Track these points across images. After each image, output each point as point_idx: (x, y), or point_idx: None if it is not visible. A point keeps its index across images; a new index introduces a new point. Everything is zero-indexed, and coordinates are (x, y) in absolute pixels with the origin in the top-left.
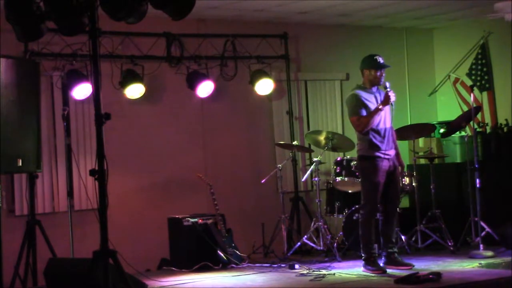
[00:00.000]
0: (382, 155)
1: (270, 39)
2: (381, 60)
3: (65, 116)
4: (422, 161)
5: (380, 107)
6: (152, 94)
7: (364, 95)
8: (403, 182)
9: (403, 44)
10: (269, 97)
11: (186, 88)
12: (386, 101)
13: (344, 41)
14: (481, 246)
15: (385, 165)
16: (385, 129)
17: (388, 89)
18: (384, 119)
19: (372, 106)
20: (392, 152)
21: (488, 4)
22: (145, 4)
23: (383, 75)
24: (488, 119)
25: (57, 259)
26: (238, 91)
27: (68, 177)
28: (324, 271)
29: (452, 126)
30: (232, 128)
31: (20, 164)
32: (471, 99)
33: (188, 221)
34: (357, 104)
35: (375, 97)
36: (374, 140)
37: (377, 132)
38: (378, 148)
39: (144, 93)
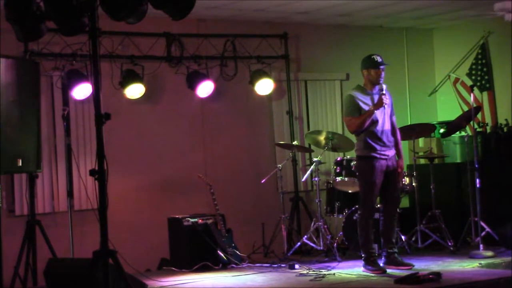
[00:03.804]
0: (378, 155)
1: (270, 39)
2: (379, 58)
3: (65, 116)
4: (422, 161)
5: (372, 109)
6: (152, 94)
7: (360, 96)
8: (403, 182)
9: (403, 44)
10: (269, 97)
11: (186, 88)
12: (379, 104)
13: (344, 41)
14: (481, 246)
15: (381, 165)
16: (382, 130)
17: (384, 92)
18: (383, 121)
19: (367, 108)
20: (390, 153)
21: (488, 4)
22: (145, 4)
23: (382, 73)
24: (488, 119)
25: (57, 259)
26: (238, 91)
27: (68, 177)
28: (324, 271)
29: (452, 126)
30: (232, 128)
31: (20, 164)
32: (471, 99)
33: (188, 221)
34: (351, 105)
35: (373, 99)
36: (369, 140)
37: (373, 133)
38: (373, 149)
39: (144, 93)
